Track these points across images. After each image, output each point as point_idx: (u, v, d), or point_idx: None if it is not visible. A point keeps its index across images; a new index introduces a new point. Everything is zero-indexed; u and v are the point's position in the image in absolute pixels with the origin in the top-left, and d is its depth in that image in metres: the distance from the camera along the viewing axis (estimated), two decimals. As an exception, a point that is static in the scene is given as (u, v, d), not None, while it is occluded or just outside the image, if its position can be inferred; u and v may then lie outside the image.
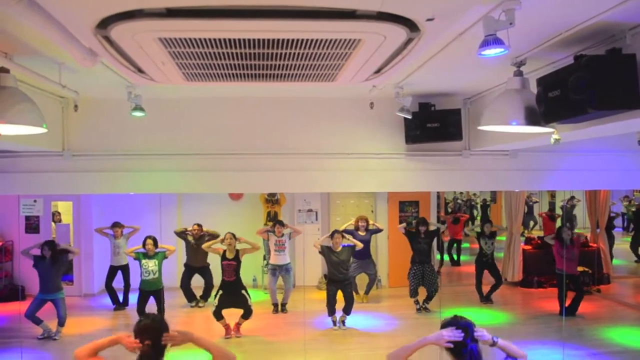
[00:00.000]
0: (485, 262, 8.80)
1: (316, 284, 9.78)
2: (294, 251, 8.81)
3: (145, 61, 2.73)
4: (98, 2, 2.02)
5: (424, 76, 4.22)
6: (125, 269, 8.61)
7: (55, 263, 7.17)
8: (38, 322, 7.06)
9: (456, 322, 2.65)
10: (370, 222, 8.82)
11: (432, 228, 8.69)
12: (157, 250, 7.48)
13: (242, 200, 9.94)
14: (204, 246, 7.52)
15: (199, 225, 8.61)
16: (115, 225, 8.55)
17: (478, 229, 9.03)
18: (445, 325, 2.67)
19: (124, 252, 8.33)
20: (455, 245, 11.09)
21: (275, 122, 5.45)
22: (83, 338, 7.08)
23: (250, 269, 9.01)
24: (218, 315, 7.09)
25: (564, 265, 7.83)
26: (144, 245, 7.45)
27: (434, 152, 5.50)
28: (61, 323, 7.22)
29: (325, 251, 7.64)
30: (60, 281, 7.34)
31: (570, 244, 7.95)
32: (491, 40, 2.48)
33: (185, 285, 8.63)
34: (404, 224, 8.71)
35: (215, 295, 7.20)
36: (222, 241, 7.34)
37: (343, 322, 7.63)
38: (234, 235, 7.25)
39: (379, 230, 8.83)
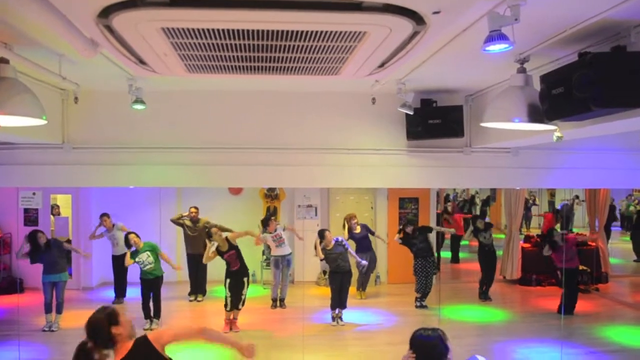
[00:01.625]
0: (487, 251, 8.84)
1: (315, 280, 9.79)
2: (293, 247, 8.80)
3: (147, 52, 2.71)
4: (100, -9, 1.99)
5: (426, 72, 4.20)
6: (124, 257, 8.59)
7: (53, 244, 7.31)
8: (50, 310, 7.21)
9: (412, 341, 2.65)
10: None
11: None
12: (143, 241, 7.47)
13: (242, 195, 9.92)
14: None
15: (196, 208, 8.64)
16: (103, 215, 8.54)
17: (471, 227, 9.13)
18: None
19: (122, 243, 8.37)
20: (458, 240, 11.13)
21: (276, 117, 5.43)
22: (81, 331, 7.06)
23: (249, 265, 8.98)
24: (229, 306, 7.25)
25: (563, 263, 7.85)
26: (128, 245, 7.40)
27: (435, 149, 5.48)
28: (59, 310, 7.29)
29: (323, 253, 7.67)
30: (65, 264, 7.45)
31: (564, 242, 7.97)
32: (496, 36, 2.46)
33: (194, 276, 8.65)
34: (399, 235, 8.70)
35: (225, 286, 7.29)
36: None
37: (340, 318, 7.65)
38: (218, 229, 7.32)
39: (372, 232, 8.87)
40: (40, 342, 6.86)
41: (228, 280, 7.25)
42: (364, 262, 8.13)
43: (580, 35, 3.05)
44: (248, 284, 7.34)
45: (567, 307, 7.88)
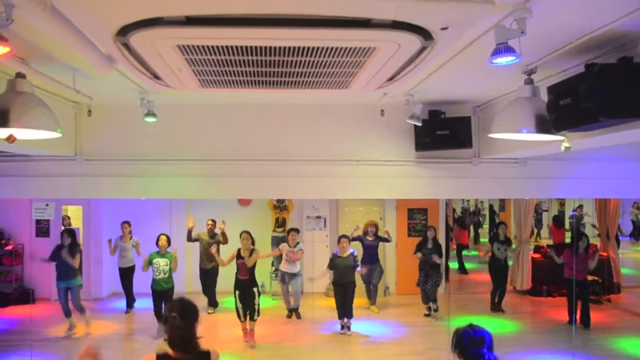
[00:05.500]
0: (498, 266, 8.79)
1: (324, 291, 9.77)
2: (302, 259, 8.80)
3: (162, 68, 2.77)
4: (120, 11, 2.06)
5: (434, 84, 4.25)
6: (131, 270, 8.65)
7: (72, 249, 7.45)
8: (69, 314, 7.41)
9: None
10: (383, 228, 8.77)
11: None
12: (169, 249, 7.58)
13: (251, 206, 9.96)
14: (222, 265, 7.59)
15: (213, 221, 8.61)
16: (125, 222, 8.60)
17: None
18: None
19: (130, 255, 8.51)
20: (462, 251, 11.07)
21: (285, 129, 5.49)
22: (92, 341, 7.13)
23: (258, 276, 9.00)
24: (242, 317, 7.21)
25: (573, 273, 7.79)
26: (157, 241, 7.52)
27: (443, 160, 5.51)
28: (81, 309, 7.45)
29: (332, 259, 7.71)
30: (77, 270, 7.58)
31: (584, 251, 7.92)
32: (502, 49, 2.50)
33: (208, 289, 8.65)
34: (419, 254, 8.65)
35: (235, 297, 7.25)
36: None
37: (348, 327, 7.65)
38: (249, 235, 7.24)
39: (387, 240, 8.75)
40: (52, 352, 6.91)
41: (237, 292, 7.20)
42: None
43: (586, 47, 3.08)
44: (259, 294, 7.29)
45: (584, 320, 7.83)
